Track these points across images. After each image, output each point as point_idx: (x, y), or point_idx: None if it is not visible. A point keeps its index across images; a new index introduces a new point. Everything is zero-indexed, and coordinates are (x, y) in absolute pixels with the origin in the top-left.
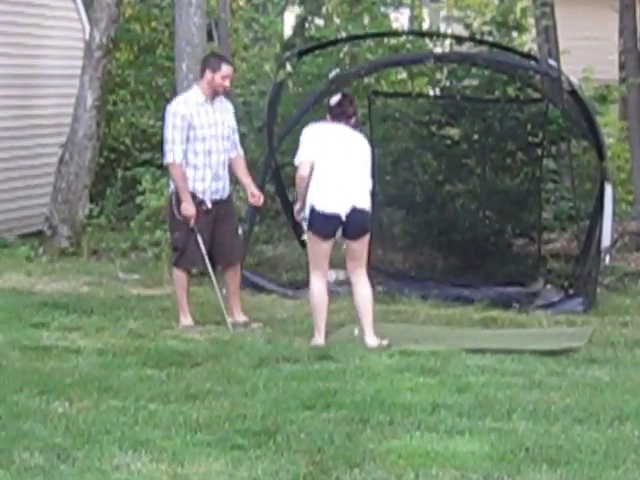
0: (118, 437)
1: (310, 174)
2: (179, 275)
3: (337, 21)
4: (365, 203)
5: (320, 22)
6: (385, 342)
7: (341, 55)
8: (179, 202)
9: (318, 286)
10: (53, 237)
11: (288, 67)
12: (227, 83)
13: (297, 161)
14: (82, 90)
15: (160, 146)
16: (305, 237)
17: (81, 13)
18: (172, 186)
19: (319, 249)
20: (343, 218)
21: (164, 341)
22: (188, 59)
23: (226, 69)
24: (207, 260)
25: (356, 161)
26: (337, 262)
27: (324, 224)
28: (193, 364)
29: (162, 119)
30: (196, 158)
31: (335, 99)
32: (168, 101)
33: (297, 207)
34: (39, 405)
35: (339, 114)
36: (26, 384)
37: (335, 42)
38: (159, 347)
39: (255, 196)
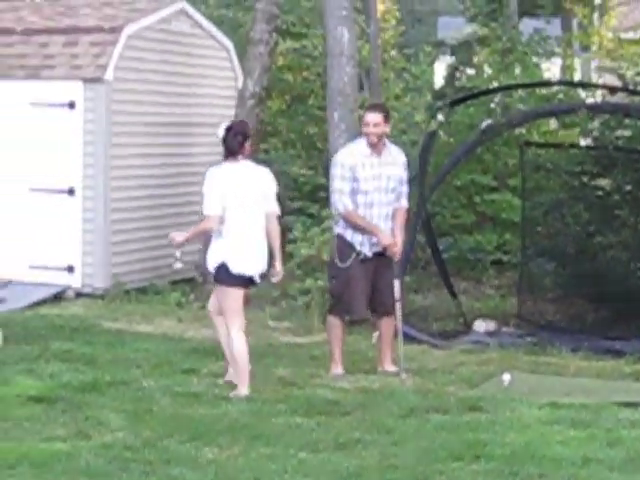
0: None
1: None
2: (334, 323)
3: (488, 71)
4: (266, 260)
5: (471, 71)
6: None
7: (492, 105)
8: (340, 248)
9: (241, 336)
10: (204, 284)
11: (440, 117)
12: (372, 129)
13: (206, 211)
14: None
15: (312, 195)
16: (177, 265)
17: (234, 62)
18: (336, 231)
19: (236, 298)
20: (257, 280)
21: (313, 389)
22: (340, 109)
23: (368, 117)
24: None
25: (261, 207)
26: (487, 312)
27: (240, 280)
28: (342, 413)
29: (325, 170)
30: (357, 210)
31: (219, 131)
32: (319, 150)
33: (181, 239)
34: (189, 451)
35: (233, 148)
36: (176, 430)
37: (487, 92)
38: (309, 395)
39: (391, 245)
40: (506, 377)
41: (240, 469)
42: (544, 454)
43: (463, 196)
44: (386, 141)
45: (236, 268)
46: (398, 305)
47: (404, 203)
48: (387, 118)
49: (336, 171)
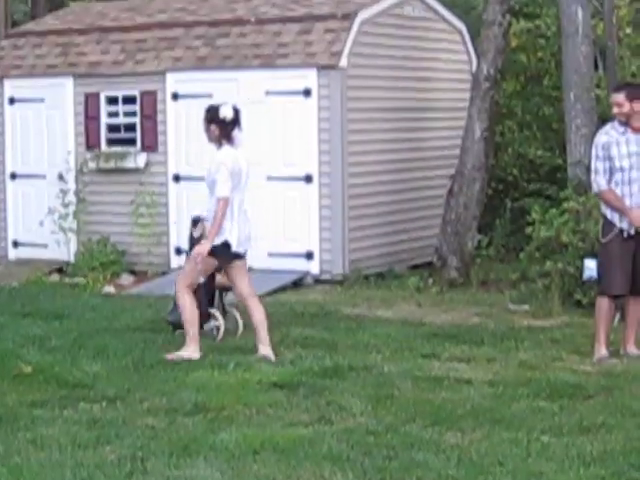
0: (510, 469)
1: None
2: (601, 303)
3: None
4: None
5: None
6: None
7: None
8: (603, 226)
9: (191, 299)
10: (442, 268)
11: None
12: (615, 110)
13: (223, 194)
14: (470, 122)
15: (549, 176)
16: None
17: (468, 46)
18: (601, 209)
19: (207, 271)
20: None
21: (555, 373)
22: (575, 88)
23: (611, 98)
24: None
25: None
26: None
27: (231, 257)
28: (585, 396)
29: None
30: (616, 188)
31: (229, 112)
32: (555, 131)
33: (206, 246)
34: (431, 436)
35: (233, 133)
36: (418, 414)
37: None
38: (550, 379)
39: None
40: None
41: (483, 454)
42: None
43: None
44: None
45: (235, 246)
46: None
47: None
48: (633, 96)
49: (593, 151)
